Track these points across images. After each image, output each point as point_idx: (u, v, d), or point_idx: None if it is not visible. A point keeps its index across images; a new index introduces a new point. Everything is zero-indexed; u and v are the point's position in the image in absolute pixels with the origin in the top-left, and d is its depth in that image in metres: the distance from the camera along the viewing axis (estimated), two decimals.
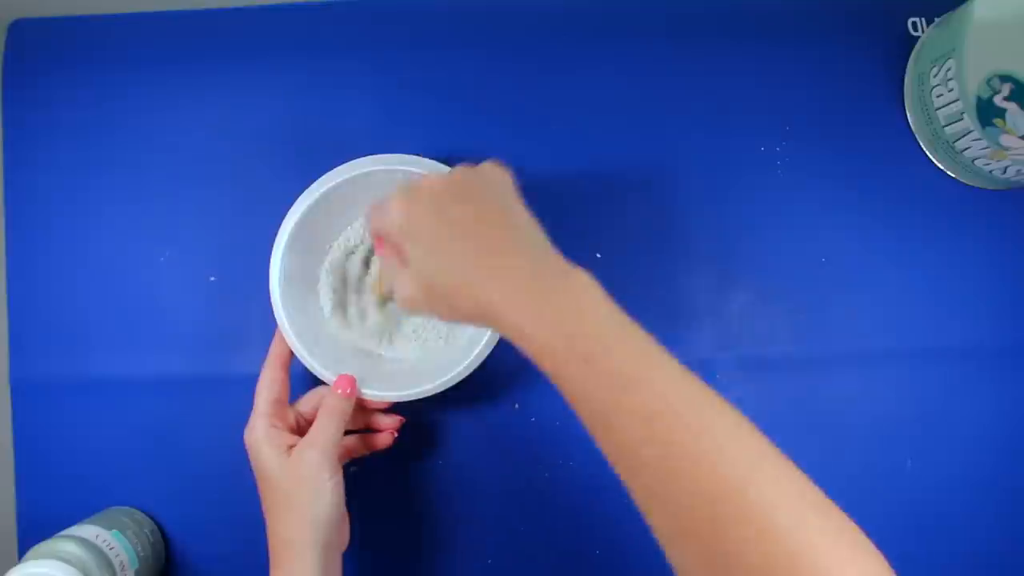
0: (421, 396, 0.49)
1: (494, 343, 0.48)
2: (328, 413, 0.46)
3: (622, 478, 0.34)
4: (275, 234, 0.49)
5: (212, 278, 0.56)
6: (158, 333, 0.56)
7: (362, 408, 0.51)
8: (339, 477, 0.45)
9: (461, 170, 0.41)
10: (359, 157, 0.57)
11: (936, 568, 0.55)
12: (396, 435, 0.52)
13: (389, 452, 0.52)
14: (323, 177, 0.49)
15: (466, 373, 0.49)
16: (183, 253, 0.57)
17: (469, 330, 0.52)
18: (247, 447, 0.46)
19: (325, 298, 0.52)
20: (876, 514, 0.55)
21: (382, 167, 0.49)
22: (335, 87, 0.58)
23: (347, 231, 0.53)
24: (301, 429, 0.48)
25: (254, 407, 0.47)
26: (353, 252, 0.53)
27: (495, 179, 0.40)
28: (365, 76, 0.58)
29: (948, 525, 0.55)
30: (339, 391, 0.47)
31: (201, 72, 0.58)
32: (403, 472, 0.56)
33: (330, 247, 0.53)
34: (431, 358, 0.53)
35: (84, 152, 0.57)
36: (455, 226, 0.38)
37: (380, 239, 0.43)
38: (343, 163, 0.49)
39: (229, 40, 0.58)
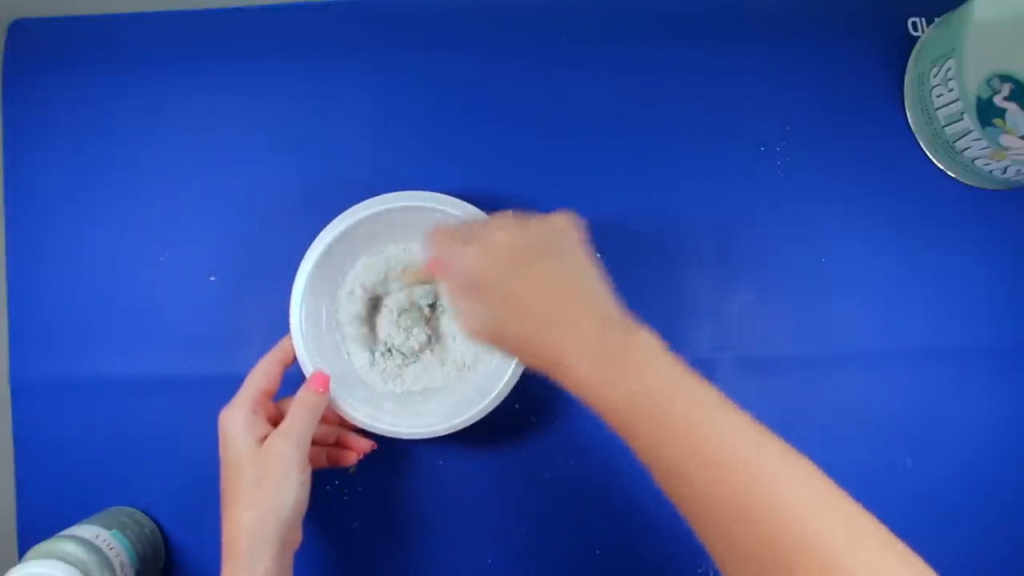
0: (434, 435, 0.49)
1: (513, 382, 0.49)
2: (301, 406, 0.46)
3: (690, 522, 0.35)
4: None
5: (212, 278, 0.56)
6: (158, 333, 0.56)
7: (336, 424, 0.52)
8: (308, 473, 0.45)
9: (535, 223, 0.42)
10: (358, 158, 0.57)
11: (936, 568, 0.55)
12: (362, 458, 0.52)
13: (373, 461, 0.52)
14: (356, 207, 0.49)
15: (480, 416, 0.49)
16: (183, 253, 0.57)
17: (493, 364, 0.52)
18: (221, 429, 0.45)
19: (348, 325, 0.52)
20: (876, 513, 0.55)
21: (415, 203, 0.49)
22: (335, 87, 0.58)
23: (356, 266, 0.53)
24: (278, 424, 0.47)
25: (240, 391, 0.47)
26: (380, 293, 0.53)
27: (567, 233, 0.41)
28: (365, 76, 0.58)
29: (948, 525, 0.55)
30: (313, 387, 0.47)
31: (201, 72, 0.58)
32: (403, 472, 0.56)
33: (351, 271, 0.53)
34: (447, 390, 0.53)
35: (84, 152, 0.57)
36: (529, 283, 0.39)
37: (438, 264, 0.44)
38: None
39: (229, 40, 0.58)
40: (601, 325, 0.38)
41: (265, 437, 0.45)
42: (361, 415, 0.49)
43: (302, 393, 0.47)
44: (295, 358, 0.49)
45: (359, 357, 0.53)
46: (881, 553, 0.31)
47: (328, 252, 0.49)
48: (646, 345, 0.37)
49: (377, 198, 0.49)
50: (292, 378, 0.49)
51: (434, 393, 0.52)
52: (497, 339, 0.41)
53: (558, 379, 0.39)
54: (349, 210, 0.49)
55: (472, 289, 0.41)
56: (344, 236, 0.49)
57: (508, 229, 0.41)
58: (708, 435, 0.35)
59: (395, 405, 0.51)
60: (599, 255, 0.56)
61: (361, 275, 0.52)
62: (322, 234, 0.49)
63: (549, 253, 0.40)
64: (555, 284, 0.40)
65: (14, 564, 0.46)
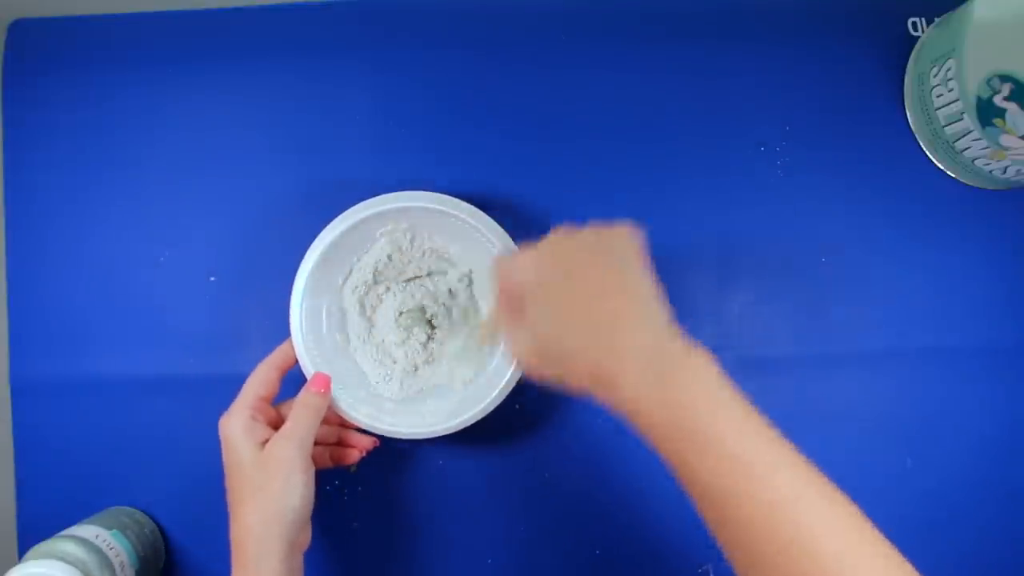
0: (434, 435, 0.49)
1: (514, 383, 0.49)
2: (302, 407, 0.46)
3: (731, 559, 0.35)
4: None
5: (212, 278, 0.56)
6: (158, 333, 0.56)
7: (337, 424, 0.52)
8: (311, 474, 0.45)
9: (594, 232, 0.41)
10: (358, 158, 0.57)
11: (936, 568, 0.55)
12: (364, 455, 0.52)
13: (373, 461, 0.52)
14: (356, 207, 0.49)
15: (480, 416, 0.49)
16: (183, 253, 0.57)
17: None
18: (221, 435, 0.45)
19: (352, 322, 0.53)
20: (876, 513, 0.55)
21: (415, 203, 0.49)
22: (335, 87, 0.58)
23: (362, 259, 0.53)
24: (279, 428, 0.47)
25: (238, 397, 0.47)
26: (376, 281, 0.53)
27: (626, 245, 0.40)
28: (365, 76, 0.58)
29: (948, 525, 0.55)
30: (314, 388, 0.47)
31: (201, 72, 0.58)
32: (403, 472, 0.56)
33: (351, 271, 0.53)
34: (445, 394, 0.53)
35: (83, 152, 0.57)
36: (582, 291, 0.38)
37: (504, 293, 0.43)
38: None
39: (229, 40, 0.58)
40: (658, 341, 0.37)
41: (266, 441, 0.45)
42: (361, 415, 0.49)
43: (303, 395, 0.47)
44: (294, 363, 0.49)
45: (359, 357, 0.53)
46: None
47: (328, 252, 0.49)
48: (704, 370, 0.36)
49: (377, 198, 0.49)
50: (292, 380, 0.50)
51: (434, 393, 0.52)
52: (547, 357, 0.40)
53: (607, 397, 0.37)
54: (349, 210, 0.49)
55: (527, 298, 0.40)
56: (344, 236, 0.49)
57: (564, 238, 0.40)
58: (762, 472, 0.34)
59: (395, 405, 0.51)
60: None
61: (361, 275, 0.52)
62: (322, 234, 0.49)
63: (607, 262, 0.39)
64: (612, 294, 0.38)
65: (14, 564, 0.46)
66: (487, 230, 0.49)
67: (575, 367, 0.38)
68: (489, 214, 0.49)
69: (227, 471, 0.45)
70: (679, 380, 0.36)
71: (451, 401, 0.51)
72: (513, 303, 0.41)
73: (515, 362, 0.41)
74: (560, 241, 0.40)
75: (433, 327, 0.53)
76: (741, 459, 0.34)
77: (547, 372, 0.40)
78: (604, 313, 0.38)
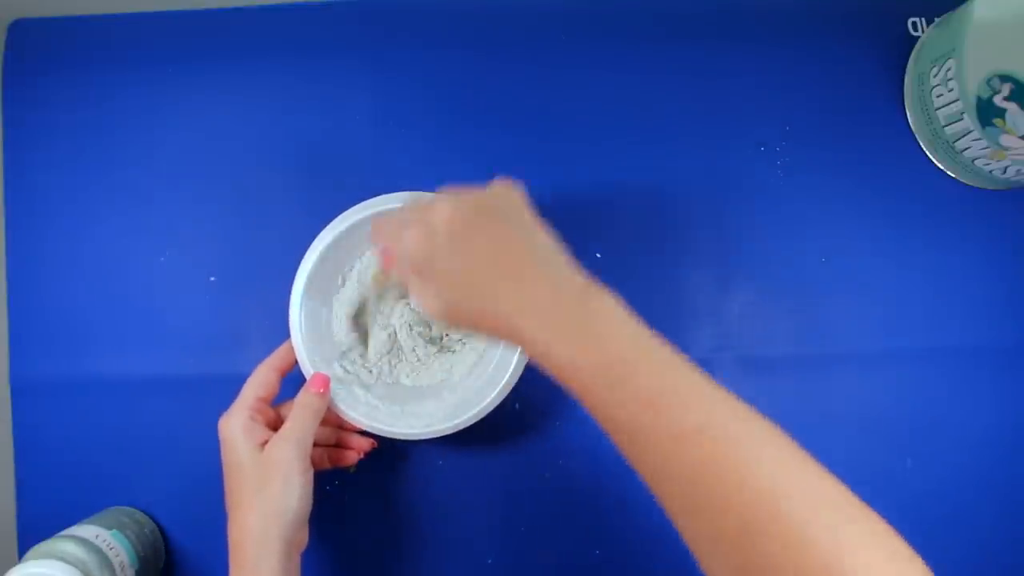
0: (433, 435, 0.49)
1: (513, 383, 0.48)
2: (301, 408, 0.46)
3: (654, 492, 0.34)
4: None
5: (212, 278, 0.56)
6: (158, 333, 0.56)
7: (336, 425, 0.52)
8: (310, 475, 0.45)
9: (473, 194, 0.40)
10: (358, 158, 0.57)
11: (936, 568, 0.55)
12: (363, 457, 0.52)
13: (372, 461, 0.52)
14: (356, 207, 0.49)
15: (479, 416, 0.49)
16: (183, 253, 0.57)
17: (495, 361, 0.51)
18: (221, 436, 0.45)
19: (341, 325, 0.52)
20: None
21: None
22: (335, 87, 0.58)
23: (363, 259, 0.53)
24: (278, 429, 0.47)
25: (237, 398, 0.47)
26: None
27: (508, 200, 0.40)
28: (365, 76, 0.58)
29: (948, 525, 0.55)
30: (313, 389, 0.47)
31: (201, 72, 0.58)
32: (403, 472, 0.56)
33: (347, 275, 0.53)
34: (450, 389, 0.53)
35: (84, 152, 0.57)
36: (474, 256, 0.38)
37: (389, 255, 0.42)
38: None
39: (229, 40, 0.58)
40: (554, 289, 0.36)
41: (265, 442, 0.45)
42: (360, 415, 0.49)
43: (302, 395, 0.47)
44: (293, 364, 0.49)
45: (358, 357, 0.53)
46: (852, 527, 0.30)
47: (328, 252, 0.49)
48: (606, 308, 0.36)
49: (377, 198, 0.49)
50: (292, 380, 0.50)
51: (433, 393, 0.52)
52: (456, 319, 0.39)
53: (521, 347, 0.38)
54: (349, 210, 0.49)
55: (419, 273, 0.39)
56: (344, 236, 0.49)
57: (443, 205, 0.39)
58: (674, 403, 0.33)
59: (394, 405, 0.51)
60: (597, 254, 0.56)
61: (361, 275, 0.52)
62: (322, 234, 0.49)
63: (489, 223, 0.39)
64: (498, 253, 0.38)
65: (14, 564, 0.46)
66: None
67: (484, 324, 0.38)
68: None
69: (226, 472, 0.45)
70: (584, 318, 0.35)
71: (450, 401, 0.51)
72: (411, 265, 0.40)
73: (429, 315, 0.41)
74: (440, 209, 0.39)
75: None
76: (651, 389, 0.33)
77: (459, 327, 0.41)
78: (502, 270, 0.37)
